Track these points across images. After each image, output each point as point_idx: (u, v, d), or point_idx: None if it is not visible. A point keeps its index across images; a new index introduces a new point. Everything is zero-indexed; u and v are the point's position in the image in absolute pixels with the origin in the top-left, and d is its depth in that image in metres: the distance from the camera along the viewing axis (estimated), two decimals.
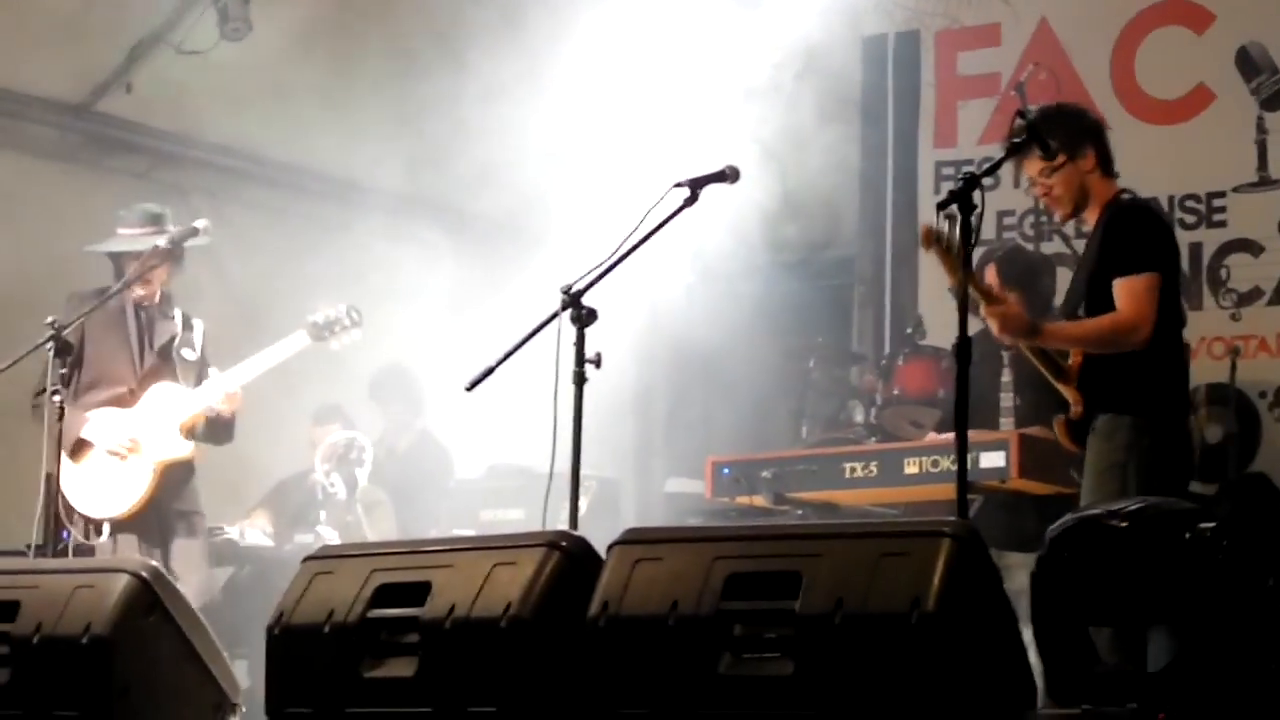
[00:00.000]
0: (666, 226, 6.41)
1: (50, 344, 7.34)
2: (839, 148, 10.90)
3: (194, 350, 8.43)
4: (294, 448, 10.39)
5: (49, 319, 7.46)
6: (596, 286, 6.29)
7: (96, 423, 8.18)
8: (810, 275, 12.39)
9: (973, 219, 5.78)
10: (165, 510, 8.21)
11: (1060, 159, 6.88)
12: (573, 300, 6.22)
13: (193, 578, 7.92)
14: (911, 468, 8.21)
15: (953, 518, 5.12)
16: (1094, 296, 6.87)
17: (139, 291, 8.31)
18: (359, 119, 10.89)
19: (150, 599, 5.77)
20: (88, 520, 8.17)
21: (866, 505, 8.59)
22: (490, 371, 6.34)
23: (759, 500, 8.60)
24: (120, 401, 8.22)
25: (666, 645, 4.84)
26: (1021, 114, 6.80)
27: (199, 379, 8.35)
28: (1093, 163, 7.01)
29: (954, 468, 7.99)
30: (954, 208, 5.76)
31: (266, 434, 10.69)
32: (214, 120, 11.42)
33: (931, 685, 4.55)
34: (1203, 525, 5.30)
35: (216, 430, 8.40)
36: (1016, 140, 6.53)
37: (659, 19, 10.53)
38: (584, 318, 6.23)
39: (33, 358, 8.46)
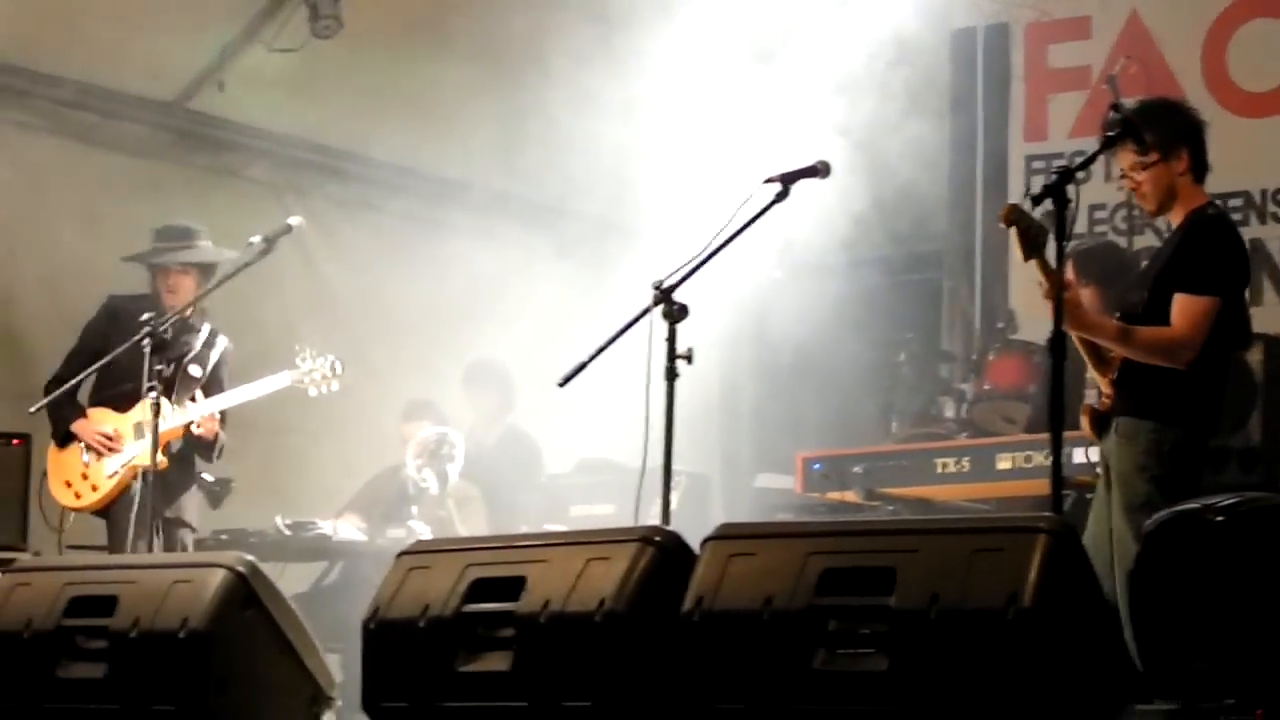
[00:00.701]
0: (757, 222, 6.41)
1: (147, 340, 7.40)
2: (928, 141, 10.86)
3: (202, 368, 8.60)
4: (385, 443, 10.43)
5: (144, 315, 7.52)
6: (686, 282, 6.30)
7: (87, 420, 8.51)
8: (899, 269, 12.36)
9: (1066, 213, 5.75)
10: (151, 512, 8.27)
11: (1153, 156, 6.77)
12: (664, 296, 6.24)
13: None
14: (1004, 463, 8.20)
15: (1047, 513, 5.10)
16: (1155, 298, 6.79)
17: (169, 303, 8.51)
18: (450, 116, 10.92)
19: (246, 593, 5.81)
20: (62, 510, 8.55)
21: (958, 501, 8.57)
22: (583, 367, 6.37)
23: (850, 495, 8.60)
24: (121, 404, 8.46)
25: (761, 640, 4.85)
26: (1116, 107, 6.75)
27: (203, 394, 8.57)
28: (1185, 165, 6.89)
29: (1047, 463, 7.99)
30: (1047, 202, 5.74)
31: (358, 430, 10.79)
32: (305, 117, 11.48)
33: (1028, 681, 4.55)
34: None
35: (199, 449, 8.63)
36: (1110, 134, 6.49)
37: (749, 14, 10.52)
38: (675, 313, 6.24)
39: (50, 350, 8.69)
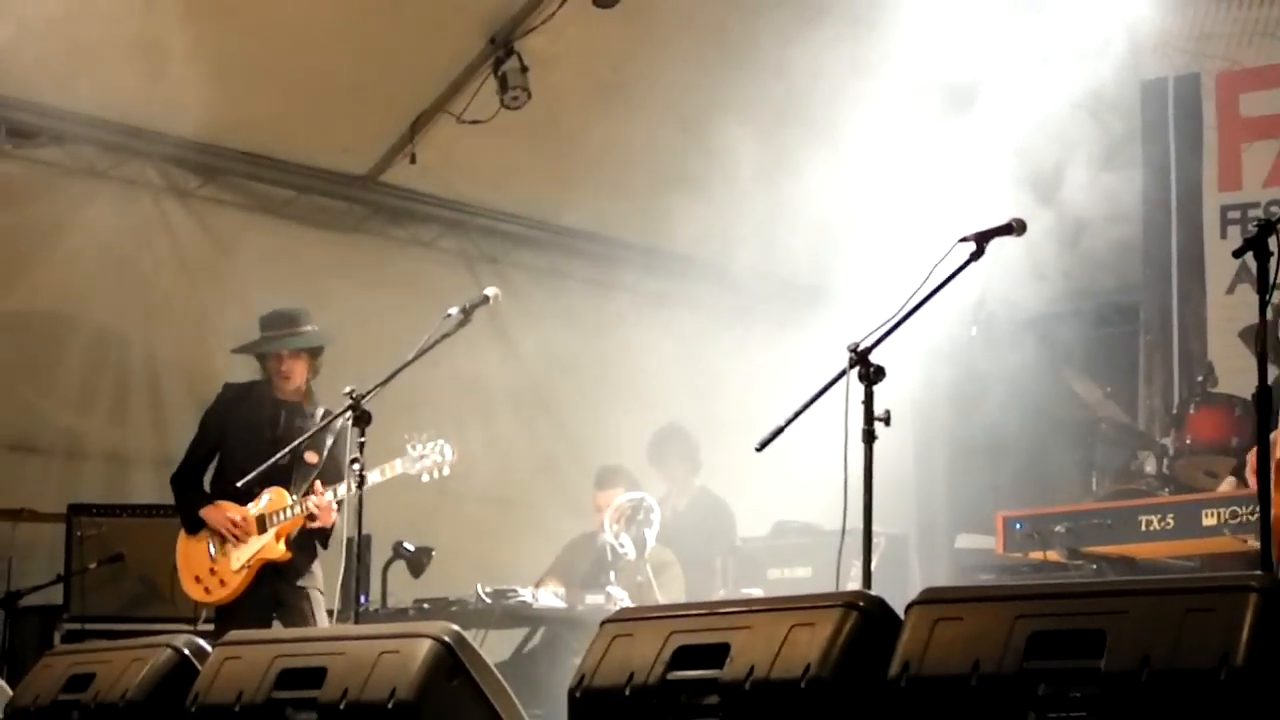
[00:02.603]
0: (953, 281, 6.37)
1: (349, 413, 7.47)
2: (1122, 193, 10.77)
3: (318, 454, 8.63)
4: (581, 510, 10.48)
5: (347, 389, 7.60)
6: (882, 343, 6.28)
7: (214, 510, 8.55)
8: (1095, 322, 12.24)
9: (1269, 265, 5.67)
10: (282, 588, 8.51)
11: None
12: (860, 358, 6.21)
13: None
14: (1209, 519, 8.06)
15: (1259, 572, 5.02)
16: None
17: (283, 388, 8.64)
18: (638, 181, 10.99)
19: (453, 662, 5.82)
20: (194, 603, 8.71)
21: (1163, 559, 8.44)
22: (780, 431, 6.35)
23: (1053, 555, 8.49)
24: (242, 497, 8.52)
25: (970, 706, 4.78)
26: None
27: (315, 481, 8.58)
28: None
29: (1253, 518, 7.89)
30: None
31: (555, 497, 10.85)
32: (495, 187, 11.61)
33: None
34: None
35: (313, 536, 8.66)
36: None
37: (941, 70, 10.49)
38: (872, 375, 6.21)
39: (183, 435, 8.80)
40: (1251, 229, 5.75)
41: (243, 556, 8.47)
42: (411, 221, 11.68)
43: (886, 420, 6.19)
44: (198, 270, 10.78)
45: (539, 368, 11.40)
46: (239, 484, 8.31)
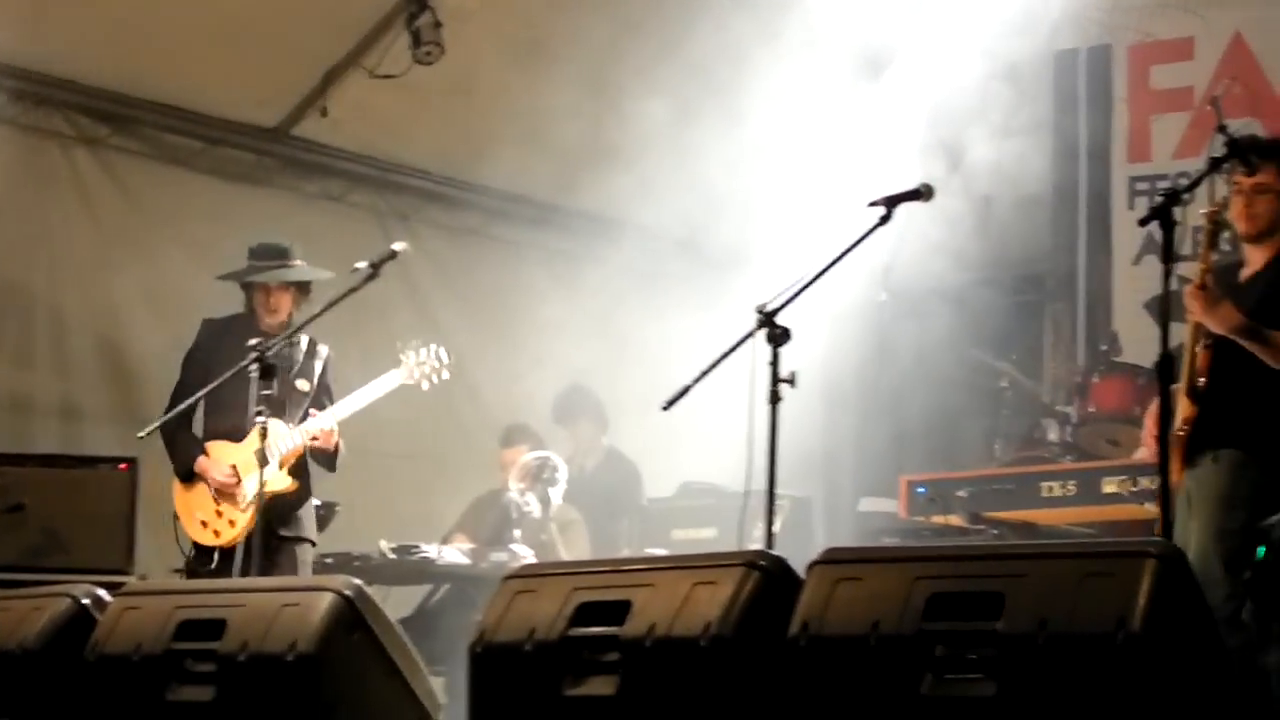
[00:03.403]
0: (860, 245, 6.41)
1: (254, 366, 7.44)
2: (1032, 162, 10.83)
3: (309, 381, 8.52)
4: (486, 468, 10.48)
5: (252, 340, 7.56)
6: (789, 305, 6.30)
7: (209, 459, 8.37)
8: (1002, 291, 12.31)
9: (1173, 235, 5.74)
10: (272, 537, 8.27)
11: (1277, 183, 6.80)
12: (768, 320, 6.23)
13: None
14: (1110, 487, 8.14)
15: (1157, 538, 5.07)
16: (1261, 319, 6.81)
17: (267, 321, 8.44)
18: (552, 141, 10.96)
19: (354, 617, 5.82)
20: (198, 546, 8.35)
21: (1063, 525, 8.51)
22: (686, 390, 6.38)
23: (954, 519, 8.55)
24: (235, 434, 8.34)
25: (868, 665, 4.82)
26: (1223, 129, 6.74)
27: (310, 408, 8.46)
28: None
29: (1153, 486, 7.97)
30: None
31: (460, 455, 10.85)
32: (408, 143, 11.56)
33: (1137, 707, 4.50)
34: None
35: (321, 462, 8.53)
36: (1216, 156, 6.48)
37: (851, 35, 10.52)
38: (779, 337, 6.24)
39: (155, 374, 8.65)
40: (1159, 200, 5.81)
41: (249, 493, 8.23)
42: (322, 175, 11.60)
43: (792, 382, 6.23)
44: (105, 220, 10.68)
45: (448, 324, 11.36)
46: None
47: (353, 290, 7.81)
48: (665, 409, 6.40)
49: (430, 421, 10.87)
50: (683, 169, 10.20)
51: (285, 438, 8.28)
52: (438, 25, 10.67)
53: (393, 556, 9.09)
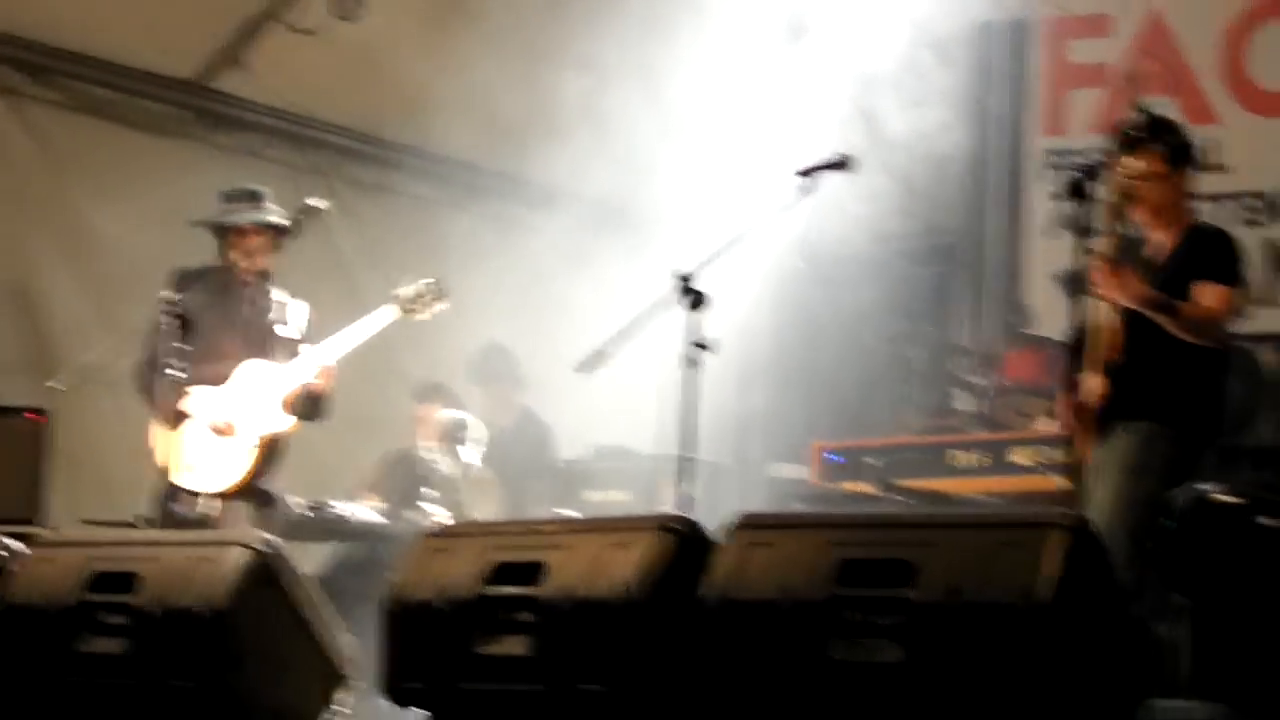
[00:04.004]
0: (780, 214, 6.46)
1: (167, 319, 7.40)
2: (947, 134, 10.89)
3: (287, 327, 8.39)
4: (398, 425, 10.47)
5: (164, 293, 7.52)
6: (707, 270, 6.34)
7: (196, 397, 8.12)
8: (915, 261, 12.37)
9: (1089, 209, 5.81)
10: (258, 484, 8.23)
11: (1166, 169, 6.86)
12: (685, 284, 6.27)
13: None
14: (1019, 457, 8.23)
15: (1066, 509, 5.15)
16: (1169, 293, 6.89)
17: (242, 266, 8.32)
18: (470, 99, 10.93)
19: (266, 572, 5.86)
20: (186, 492, 8.10)
21: (973, 494, 8.60)
22: (601, 353, 6.40)
23: (865, 487, 8.62)
24: (218, 378, 8.19)
25: (779, 629, 4.88)
26: (1141, 108, 6.83)
27: (293, 355, 8.32)
28: (1187, 182, 7.06)
29: (1062, 459, 8.06)
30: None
31: (372, 411, 10.82)
32: (325, 99, 11.51)
33: (1045, 674, 4.58)
34: None
35: (312, 405, 8.38)
36: (1134, 133, 6.55)
37: (771, 3, 10.56)
38: (696, 302, 6.28)
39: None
40: (1074, 174, 5.88)
41: (253, 435, 8.13)
42: (238, 129, 11.52)
43: (708, 346, 6.28)
44: (20, 170, 10.58)
45: (365, 281, 11.34)
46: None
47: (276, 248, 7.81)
48: (579, 371, 6.44)
49: (344, 378, 10.84)
50: (604, 133, 10.20)
51: (282, 377, 8.18)
52: None
53: (306, 514, 9.08)
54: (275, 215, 8.37)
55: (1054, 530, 4.73)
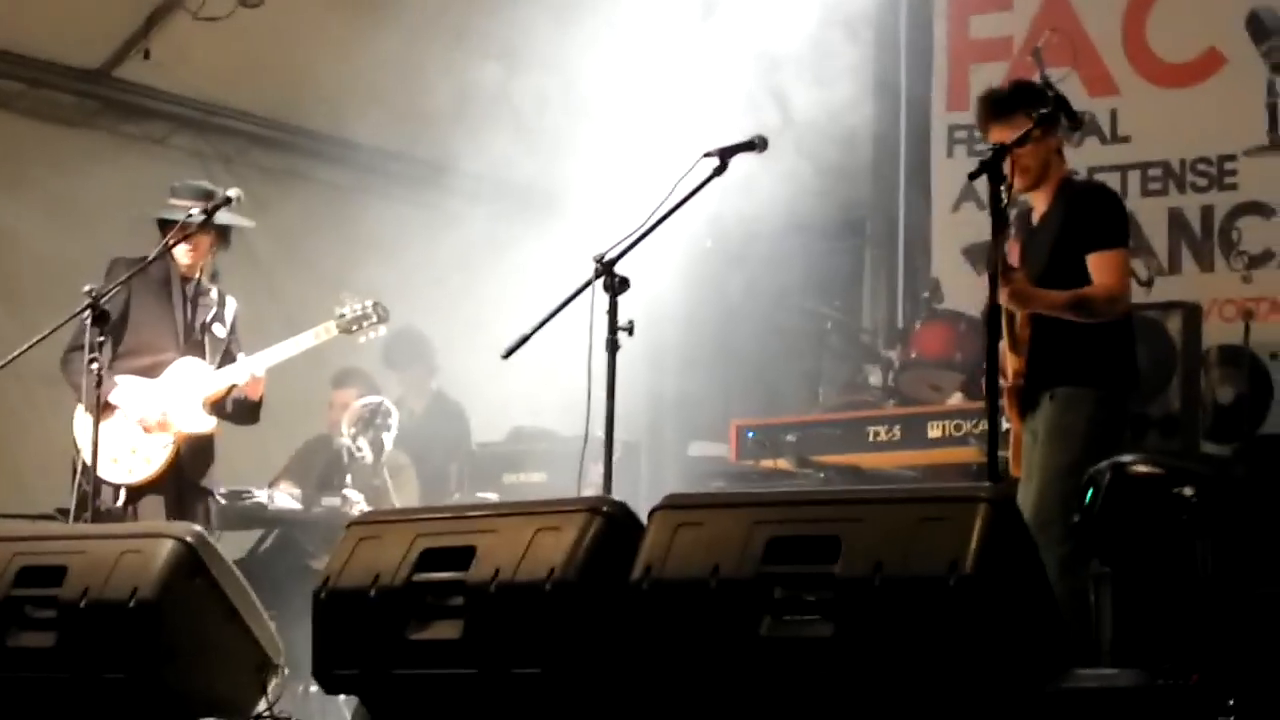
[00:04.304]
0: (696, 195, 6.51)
1: (88, 311, 7.39)
2: (852, 110, 10.95)
3: (224, 327, 8.44)
4: (315, 412, 10.47)
5: (86, 287, 7.50)
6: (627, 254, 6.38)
7: (124, 389, 8.14)
8: (823, 236, 12.44)
9: (1001, 188, 5.89)
10: (185, 483, 8.22)
11: (1037, 132, 6.80)
12: (606, 268, 6.32)
13: None
14: (935, 431, 8.33)
15: (988, 483, 5.23)
16: (1057, 270, 6.99)
17: (184, 264, 8.32)
18: (378, 84, 10.94)
19: (195, 563, 5.88)
20: (104, 483, 8.11)
21: (889, 468, 8.69)
22: (526, 339, 6.45)
23: (783, 463, 8.70)
24: (150, 371, 8.22)
25: (708, 608, 4.95)
26: (1045, 80, 6.92)
27: (225, 358, 8.37)
28: (1057, 143, 7.14)
29: (976, 431, 8.18)
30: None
31: (288, 397, 10.80)
32: (232, 87, 11.49)
33: (970, 647, 4.66)
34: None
35: (243, 412, 8.45)
36: (1045, 111, 6.63)
37: None
38: (617, 286, 6.33)
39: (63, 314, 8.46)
40: (981, 150, 5.97)
41: (169, 432, 8.13)
42: (144, 118, 11.48)
43: (630, 330, 6.34)
44: None
45: (275, 268, 11.33)
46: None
47: (186, 236, 7.81)
48: (505, 357, 6.47)
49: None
50: (517, 118, 10.23)
51: (210, 378, 8.20)
52: None
53: (224, 501, 9.08)
54: (220, 216, 8.29)
55: (977, 504, 4.82)
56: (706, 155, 6.53)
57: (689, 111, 10.14)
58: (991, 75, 11.34)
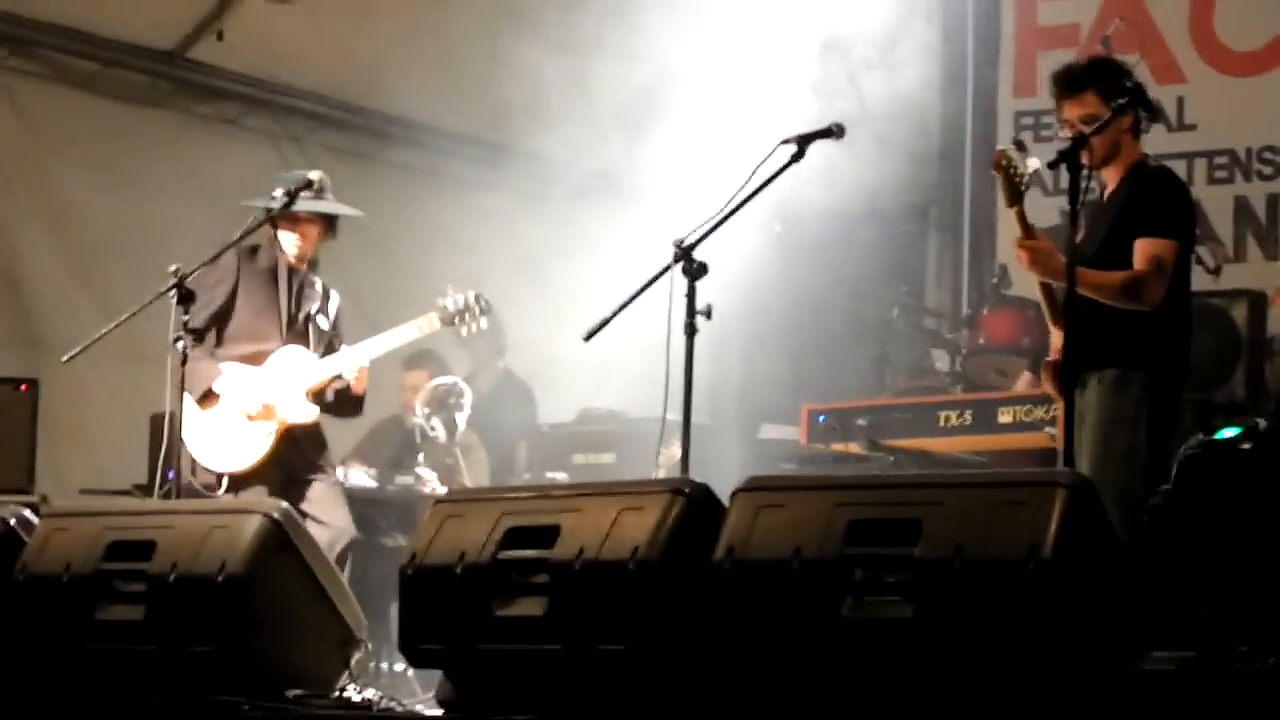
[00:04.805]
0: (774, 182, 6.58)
1: (173, 291, 7.48)
2: (921, 94, 11.01)
3: (328, 319, 8.39)
4: (386, 392, 10.56)
5: (172, 267, 7.58)
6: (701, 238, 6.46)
7: (228, 377, 8.11)
8: (893, 222, 12.48)
9: (1079, 177, 5.93)
10: (293, 469, 8.15)
11: (1106, 113, 6.75)
12: (685, 254, 6.39)
13: (336, 519, 7.97)
14: (1005, 417, 8.38)
15: (1067, 469, 5.29)
16: (1110, 250, 6.89)
17: (293, 254, 8.29)
18: (452, 67, 11.04)
19: (282, 538, 5.98)
20: (205, 471, 8.08)
21: (958, 453, 8.74)
22: (607, 322, 6.52)
23: (853, 447, 8.76)
24: (255, 359, 8.18)
25: (790, 588, 5.02)
26: (1128, 72, 6.92)
27: (328, 349, 8.31)
28: (1130, 123, 6.98)
29: (1048, 416, 8.22)
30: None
31: None
32: (303, 68, 11.58)
33: (1048, 630, 4.73)
34: None
35: (345, 403, 8.36)
36: (1121, 102, 6.63)
37: None
38: (695, 271, 6.40)
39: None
40: (1053, 137, 6.01)
41: (272, 421, 8.09)
42: (216, 98, 11.58)
43: (708, 314, 6.41)
44: (2, 142, 10.65)
45: (341, 248, 11.40)
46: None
47: (270, 217, 7.90)
48: (586, 340, 6.55)
49: None
50: (584, 99, 10.30)
51: (313, 368, 8.17)
52: None
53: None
54: (330, 207, 8.36)
55: (1056, 489, 4.89)
56: (785, 142, 6.58)
57: (759, 97, 10.20)
58: (1059, 62, 11.36)
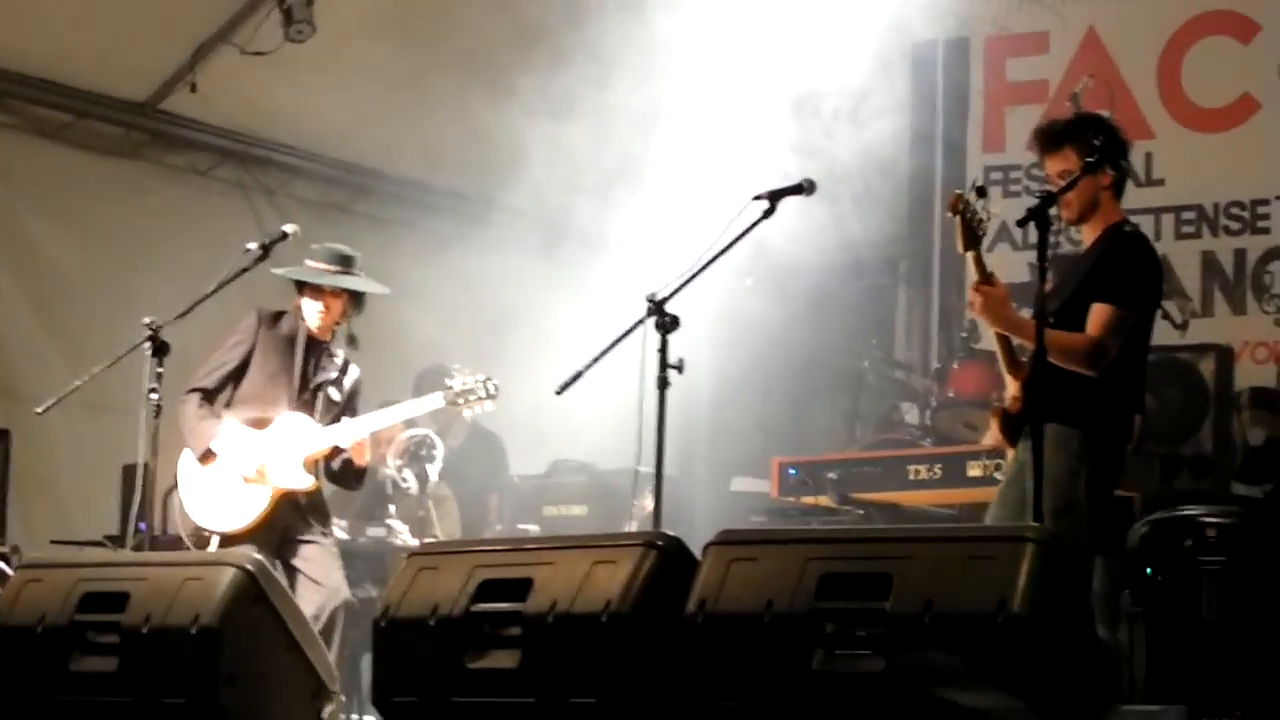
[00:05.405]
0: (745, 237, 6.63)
1: (147, 344, 7.49)
2: (890, 149, 11.08)
3: (340, 393, 8.32)
4: None
5: (146, 320, 7.59)
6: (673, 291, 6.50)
7: (226, 437, 8.09)
8: (862, 276, 12.53)
9: (1048, 234, 5.98)
10: (289, 532, 8.09)
11: (1084, 177, 6.74)
12: (657, 307, 6.44)
13: (331, 580, 7.95)
14: (974, 470, 8.42)
15: (1036, 524, 5.33)
16: (1073, 306, 6.86)
17: (315, 326, 8.27)
18: (421, 120, 11.08)
19: (255, 591, 5.98)
20: (199, 529, 8.09)
21: (928, 506, 8.78)
22: (579, 375, 6.56)
23: (824, 500, 8.79)
24: (258, 423, 8.14)
25: (761, 641, 5.05)
26: (1111, 129, 6.93)
27: (336, 421, 8.24)
28: (1110, 180, 6.96)
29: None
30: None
31: None
32: (276, 120, 11.62)
33: (1017, 684, 4.76)
34: None
35: (348, 475, 8.32)
36: (1090, 160, 6.64)
37: (717, 25, 10.71)
38: (667, 325, 6.44)
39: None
40: (1022, 192, 6.06)
41: (268, 487, 8.03)
42: (189, 150, 11.63)
43: (680, 368, 6.45)
44: None
45: None
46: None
47: (244, 270, 7.92)
48: (559, 393, 6.59)
49: None
50: (551, 151, 10.34)
51: (314, 436, 8.12)
52: (309, 3, 10.74)
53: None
54: (356, 283, 8.34)
55: (1025, 544, 4.92)
56: (756, 198, 6.63)
57: (730, 154, 10.27)
58: (1027, 118, 11.51)
